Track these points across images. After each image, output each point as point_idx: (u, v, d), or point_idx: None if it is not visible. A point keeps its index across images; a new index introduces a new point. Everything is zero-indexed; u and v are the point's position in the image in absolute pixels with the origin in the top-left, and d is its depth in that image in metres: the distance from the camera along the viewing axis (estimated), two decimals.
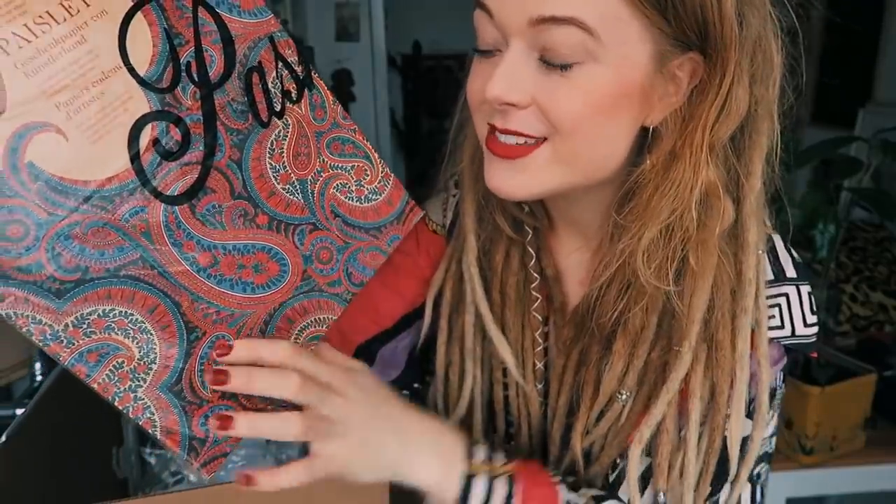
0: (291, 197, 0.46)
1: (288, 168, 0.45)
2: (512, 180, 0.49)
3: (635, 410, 0.53)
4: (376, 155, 0.50)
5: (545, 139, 0.47)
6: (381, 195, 0.51)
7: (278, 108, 0.45)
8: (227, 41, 0.42)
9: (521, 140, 0.48)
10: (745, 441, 0.53)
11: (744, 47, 0.46)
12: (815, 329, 0.55)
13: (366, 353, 0.64)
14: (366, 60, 2.84)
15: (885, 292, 1.72)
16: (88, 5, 0.37)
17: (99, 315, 0.39)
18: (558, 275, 0.60)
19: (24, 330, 0.37)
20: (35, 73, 0.36)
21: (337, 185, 0.48)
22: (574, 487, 0.55)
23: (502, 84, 0.45)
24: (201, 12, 0.41)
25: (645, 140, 0.50)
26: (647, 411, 0.52)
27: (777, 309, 0.54)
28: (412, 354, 0.67)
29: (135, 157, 0.39)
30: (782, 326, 0.54)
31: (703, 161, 0.47)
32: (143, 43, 0.39)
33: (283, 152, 0.45)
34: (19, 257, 0.36)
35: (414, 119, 4.27)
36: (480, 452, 0.51)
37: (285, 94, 0.45)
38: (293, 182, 0.46)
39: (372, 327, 0.63)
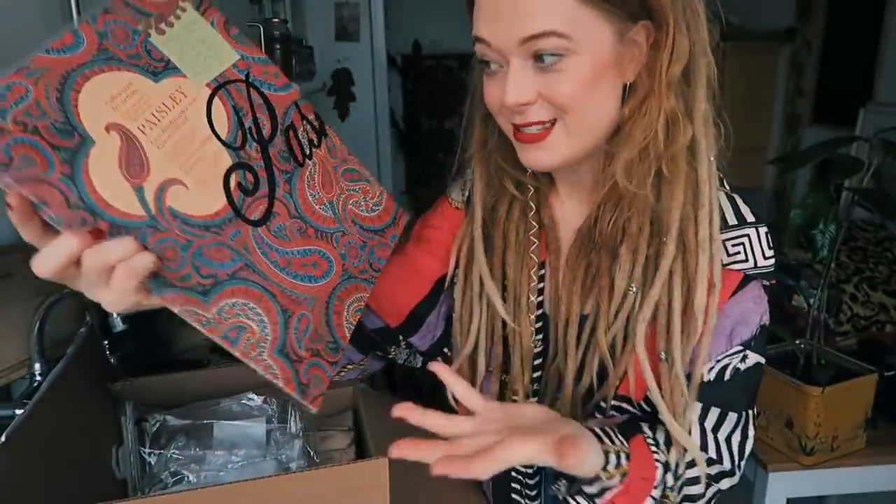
0: (326, 213, 0.64)
1: (320, 193, 0.64)
2: (540, 157, 0.65)
3: (641, 300, 0.67)
4: (374, 178, 0.71)
5: (555, 121, 0.63)
6: (380, 206, 0.70)
7: (308, 152, 0.63)
8: (271, 109, 0.60)
9: (539, 127, 0.63)
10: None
11: (675, 7, 0.61)
12: (772, 261, 0.69)
13: (415, 320, 0.80)
14: (366, 60, 2.84)
15: (885, 292, 1.72)
16: (186, 96, 0.55)
17: (230, 306, 0.53)
18: (555, 224, 0.75)
19: (188, 319, 0.51)
20: (163, 145, 0.52)
21: (352, 202, 0.67)
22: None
23: (514, 92, 0.61)
24: (252, 91, 0.60)
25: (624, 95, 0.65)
26: (649, 293, 0.66)
27: (741, 246, 0.69)
28: (449, 320, 0.81)
29: (229, 197, 0.55)
30: (746, 260, 0.69)
31: (664, 95, 0.63)
32: (222, 116, 0.56)
33: (315, 182, 0.64)
34: (177, 271, 0.51)
35: (414, 119, 4.28)
36: (607, 442, 0.64)
37: (310, 142, 0.64)
38: (325, 203, 0.64)
39: (415, 295, 0.80)
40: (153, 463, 0.76)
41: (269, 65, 0.61)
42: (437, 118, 4.31)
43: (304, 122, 0.63)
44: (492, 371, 0.76)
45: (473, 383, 0.76)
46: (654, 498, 0.65)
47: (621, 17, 0.60)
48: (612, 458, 0.62)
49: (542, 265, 0.75)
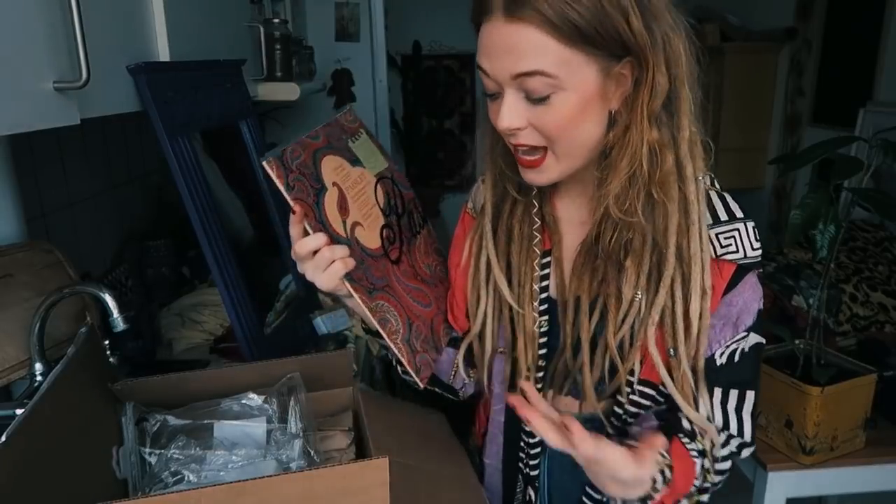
0: (427, 270, 0.93)
1: (423, 257, 0.93)
2: (538, 177, 0.76)
3: (648, 305, 0.76)
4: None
5: (546, 148, 0.72)
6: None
7: (418, 230, 0.93)
8: (403, 199, 0.90)
9: (534, 152, 0.73)
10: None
11: (655, 47, 0.67)
12: (759, 251, 0.78)
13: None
14: (366, 60, 2.83)
15: (885, 292, 1.72)
16: (365, 179, 0.84)
17: (381, 304, 0.80)
18: (556, 220, 0.84)
19: (360, 306, 0.78)
20: (355, 201, 0.81)
21: (439, 269, 0.96)
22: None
23: (506, 118, 0.70)
24: (394, 186, 0.89)
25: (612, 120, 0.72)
26: (654, 300, 0.75)
27: (732, 239, 0.77)
28: None
29: (381, 241, 0.84)
30: (737, 251, 0.77)
31: (646, 128, 0.70)
32: (381, 195, 0.86)
33: (421, 250, 0.93)
34: (356, 273, 0.77)
35: (414, 119, 4.28)
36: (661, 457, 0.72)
37: (420, 224, 0.94)
38: (425, 265, 0.93)
39: (464, 300, 0.90)
40: (153, 463, 0.76)
41: (401, 173, 0.93)
42: (437, 118, 4.31)
43: (417, 212, 0.94)
44: (503, 352, 0.86)
45: (482, 360, 0.88)
46: (695, 486, 0.77)
47: (604, 56, 0.67)
48: (659, 476, 0.71)
49: (545, 254, 0.84)
